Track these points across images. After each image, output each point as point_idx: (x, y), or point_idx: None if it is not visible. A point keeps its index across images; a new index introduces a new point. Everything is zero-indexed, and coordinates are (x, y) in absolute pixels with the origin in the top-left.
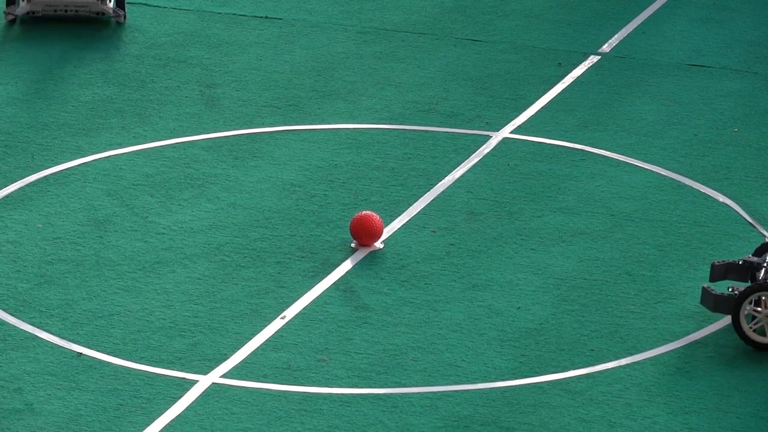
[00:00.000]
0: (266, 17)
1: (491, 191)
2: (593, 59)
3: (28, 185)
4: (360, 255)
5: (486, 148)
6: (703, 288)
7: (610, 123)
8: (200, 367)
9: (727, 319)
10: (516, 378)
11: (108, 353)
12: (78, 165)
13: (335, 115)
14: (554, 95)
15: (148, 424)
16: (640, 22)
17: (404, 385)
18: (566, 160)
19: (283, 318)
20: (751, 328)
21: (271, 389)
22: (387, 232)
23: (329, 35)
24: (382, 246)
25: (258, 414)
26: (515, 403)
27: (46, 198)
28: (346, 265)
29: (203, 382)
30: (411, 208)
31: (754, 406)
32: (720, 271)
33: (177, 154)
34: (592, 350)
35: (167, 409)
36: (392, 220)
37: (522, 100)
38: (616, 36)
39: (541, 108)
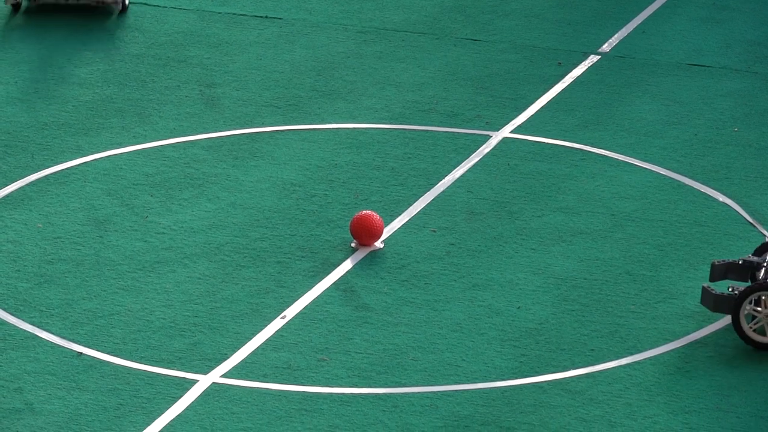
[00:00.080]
0: (266, 17)
1: (491, 191)
2: (593, 59)
3: (28, 185)
4: (360, 255)
5: (486, 148)
6: (703, 288)
7: (610, 123)
8: (200, 366)
9: (727, 319)
10: (516, 378)
11: (108, 353)
12: (78, 164)
13: (335, 115)
14: (554, 95)
15: (148, 424)
16: (640, 22)
17: (404, 385)
18: (566, 160)
19: (283, 318)
20: (751, 327)
21: (271, 389)
22: (387, 231)
23: (329, 35)
24: (382, 246)
25: (258, 413)
26: (515, 403)
27: (47, 198)
28: (347, 265)
29: (203, 382)
30: (411, 207)
31: (754, 406)
32: (720, 271)
33: (177, 153)
34: (593, 350)
35: (167, 408)
36: (392, 220)
37: (522, 100)
38: (616, 35)
39: (541, 108)
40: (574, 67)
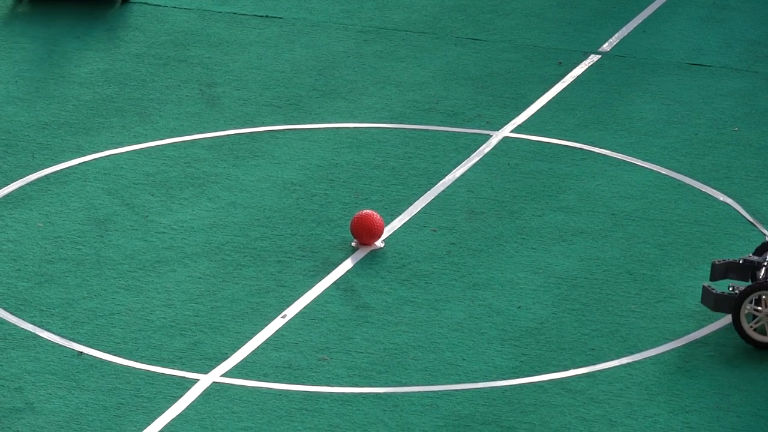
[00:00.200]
0: (267, 16)
1: (492, 190)
2: (594, 58)
3: (28, 184)
4: (360, 254)
5: (486, 147)
6: (704, 287)
7: (610, 122)
8: (201, 366)
9: (727, 318)
10: (517, 377)
11: (108, 352)
12: (78, 164)
13: (336, 114)
14: (555, 94)
15: (148, 423)
16: (640, 21)
17: (405, 384)
18: (567, 160)
19: (283, 317)
20: (751, 327)
21: (271, 388)
22: (387, 231)
23: (330, 34)
24: (382, 245)
25: (259, 413)
26: (516, 402)
27: (47, 197)
28: (347, 264)
29: (204, 381)
30: (411, 207)
31: (754, 405)
32: (720, 270)
33: (177, 153)
34: (593, 349)
35: (168, 408)
36: (393, 219)
37: (522, 99)
38: (616, 35)
39: (542, 107)
40: (575, 67)
